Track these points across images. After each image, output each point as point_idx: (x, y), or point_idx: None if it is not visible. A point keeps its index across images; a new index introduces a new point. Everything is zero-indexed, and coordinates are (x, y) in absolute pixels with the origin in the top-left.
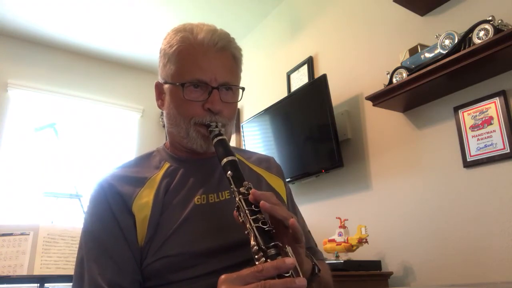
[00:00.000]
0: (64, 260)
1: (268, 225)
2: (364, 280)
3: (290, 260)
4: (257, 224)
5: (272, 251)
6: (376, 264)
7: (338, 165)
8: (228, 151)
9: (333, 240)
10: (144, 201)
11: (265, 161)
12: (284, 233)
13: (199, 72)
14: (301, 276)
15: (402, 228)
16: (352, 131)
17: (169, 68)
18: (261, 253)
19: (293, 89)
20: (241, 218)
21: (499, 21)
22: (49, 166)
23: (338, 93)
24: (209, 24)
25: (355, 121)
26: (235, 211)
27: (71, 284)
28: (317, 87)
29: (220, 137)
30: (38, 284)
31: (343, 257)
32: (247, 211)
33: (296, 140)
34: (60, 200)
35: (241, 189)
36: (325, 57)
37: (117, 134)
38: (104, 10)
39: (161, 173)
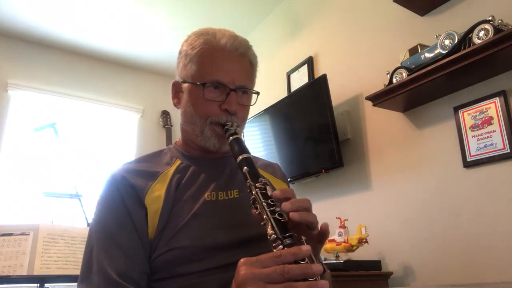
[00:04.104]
0: (64, 260)
1: (283, 218)
2: (364, 280)
3: (306, 247)
4: (274, 216)
5: (288, 241)
6: (376, 264)
7: (338, 165)
8: (243, 149)
9: (333, 240)
10: (157, 194)
11: (270, 167)
12: (304, 232)
13: (219, 74)
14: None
15: (402, 228)
16: (352, 131)
17: (190, 68)
18: (279, 241)
19: (293, 89)
20: (257, 211)
21: (499, 21)
22: (49, 166)
23: (338, 93)
24: (230, 30)
25: (355, 121)
26: (253, 208)
27: (72, 284)
28: (317, 87)
29: (236, 136)
30: (38, 284)
31: (343, 257)
32: (263, 204)
33: (296, 140)
34: (60, 200)
35: (257, 184)
36: (325, 57)
37: (117, 134)
38: (104, 10)
39: (172, 169)
